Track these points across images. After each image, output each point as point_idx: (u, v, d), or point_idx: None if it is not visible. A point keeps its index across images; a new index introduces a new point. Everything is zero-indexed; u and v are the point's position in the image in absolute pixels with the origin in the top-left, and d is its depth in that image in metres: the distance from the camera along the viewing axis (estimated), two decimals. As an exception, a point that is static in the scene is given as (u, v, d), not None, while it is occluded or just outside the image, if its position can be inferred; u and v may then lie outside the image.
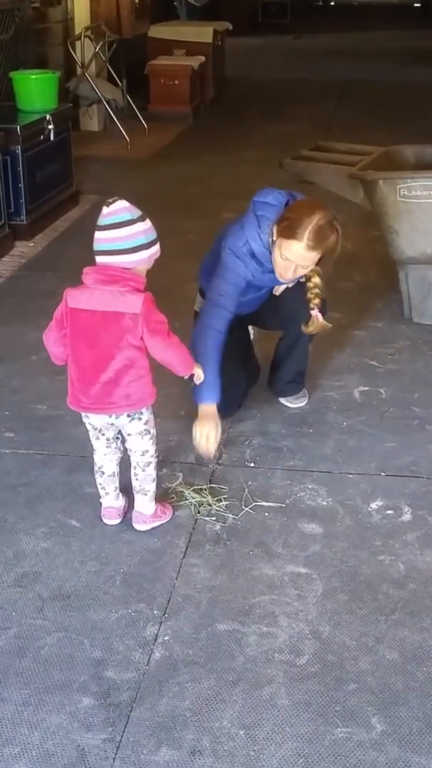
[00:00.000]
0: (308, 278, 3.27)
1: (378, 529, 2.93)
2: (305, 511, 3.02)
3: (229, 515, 2.98)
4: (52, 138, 6.08)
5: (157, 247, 2.65)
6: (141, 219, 2.61)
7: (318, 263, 3.17)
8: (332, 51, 15.47)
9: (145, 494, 2.87)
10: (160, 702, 2.26)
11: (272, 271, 3.24)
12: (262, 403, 3.68)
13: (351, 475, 3.22)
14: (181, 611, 2.56)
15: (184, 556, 2.79)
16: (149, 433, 2.79)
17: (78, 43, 8.66)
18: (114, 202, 2.60)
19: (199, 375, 2.89)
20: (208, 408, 3.12)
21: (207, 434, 3.07)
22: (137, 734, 2.17)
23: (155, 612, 2.56)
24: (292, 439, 3.45)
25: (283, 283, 3.41)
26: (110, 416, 2.73)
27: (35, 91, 6.13)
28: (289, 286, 3.46)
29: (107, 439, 2.84)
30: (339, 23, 19.59)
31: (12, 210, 5.70)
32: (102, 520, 2.94)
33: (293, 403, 3.69)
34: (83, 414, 2.78)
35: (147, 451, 2.82)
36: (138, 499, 2.89)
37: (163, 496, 3.01)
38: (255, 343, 3.85)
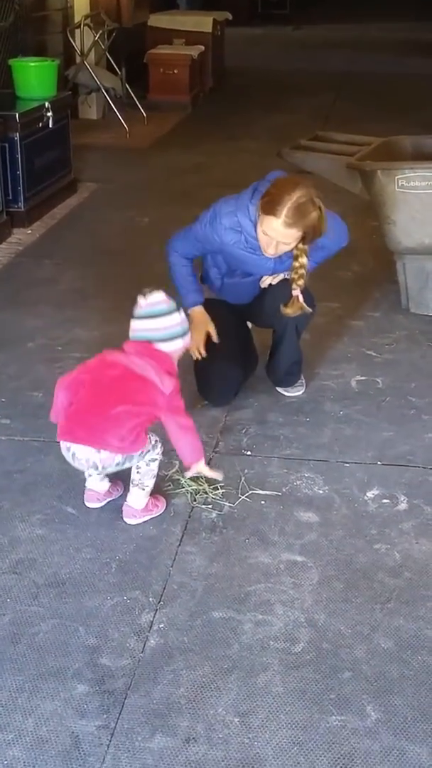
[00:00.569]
0: (295, 257, 3.27)
1: (374, 517, 2.93)
2: (301, 500, 3.01)
3: (226, 503, 2.98)
4: (50, 125, 6.06)
5: (188, 337, 2.79)
6: (177, 310, 2.72)
7: (303, 241, 3.17)
8: (332, 42, 15.39)
9: (143, 489, 2.84)
10: (154, 689, 2.26)
11: (256, 250, 3.27)
12: (260, 392, 3.68)
13: (347, 464, 3.22)
14: (177, 599, 2.56)
15: (180, 544, 2.79)
16: (152, 442, 2.80)
17: (77, 32, 8.63)
18: (151, 293, 2.69)
19: (200, 470, 2.87)
20: (196, 311, 3.49)
21: (197, 341, 3.42)
22: (132, 721, 2.17)
23: (150, 599, 2.56)
24: (289, 427, 3.45)
25: (267, 273, 3.44)
26: (98, 451, 2.70)
27: (34, 78, 6.11)
28: (273, 282, 3.47)
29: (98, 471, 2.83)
30: (339, 14, 19.51)
31: (10, 197, 5.69)
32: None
33: (290, 392, 3.68)
34: (69, 453, 2.76)
35: (152, 451, 2.81)
36: (133, 491, 2.85)
37: (159, 484, 3.00)
38: (254, 332, 3.84)
